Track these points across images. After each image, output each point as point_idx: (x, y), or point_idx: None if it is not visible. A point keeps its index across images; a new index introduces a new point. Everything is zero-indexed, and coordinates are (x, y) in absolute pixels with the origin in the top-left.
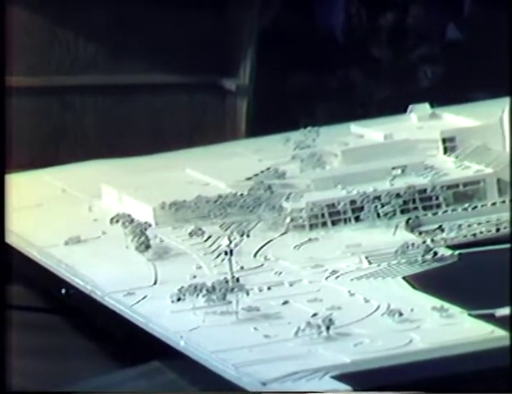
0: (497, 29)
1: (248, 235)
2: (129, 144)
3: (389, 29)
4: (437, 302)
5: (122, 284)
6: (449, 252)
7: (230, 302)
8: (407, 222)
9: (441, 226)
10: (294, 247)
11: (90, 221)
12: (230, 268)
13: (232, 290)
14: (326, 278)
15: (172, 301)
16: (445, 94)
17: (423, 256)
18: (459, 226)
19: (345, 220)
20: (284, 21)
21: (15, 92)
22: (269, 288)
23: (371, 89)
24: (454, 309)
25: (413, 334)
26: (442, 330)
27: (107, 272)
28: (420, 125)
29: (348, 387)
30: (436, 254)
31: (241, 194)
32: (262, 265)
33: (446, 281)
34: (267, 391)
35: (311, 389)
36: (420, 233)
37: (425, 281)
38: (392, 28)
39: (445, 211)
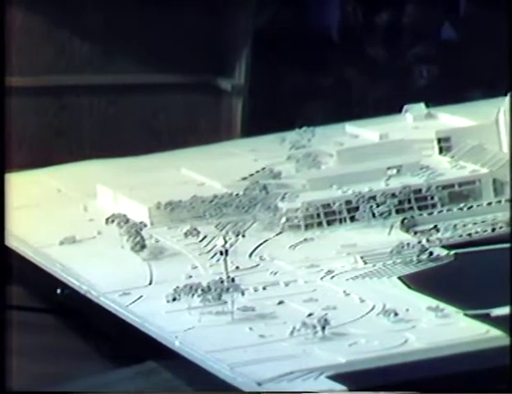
0: (492, 29)
1: (243, 236)
2: (124, 144)
3: (384, 29)
4: (433, 302)
5: (118, 284)
6: (444, 252)
7: (225, 302)
8: (402, 221)
9: (436, 226)
10: (290, 247)
11: (86, 221)
12: (226, 268)
13: (227, 290)
14: (322, 278)
15: (168, 301)
16: (440, 94)
17: (419, 256)
18: (455, 226)
19: (341, 220)
20: (279, 21)
21: (9, 92)
22: (264, 288)
23: (366, 88)
24: (449, 309)
25: (408, 334)
26: (438, 330)
27: (102, 272)
28: (415, 125)
29: (343, 387)
30: (431, 253)
31: (237, 194)
32: (257, 265)
33: (442, 281)
34: (262, 391)
35: (306, 389)
36: (415, 233)
37: (420, 281)
38: (387, 27)
39: (441, 211)
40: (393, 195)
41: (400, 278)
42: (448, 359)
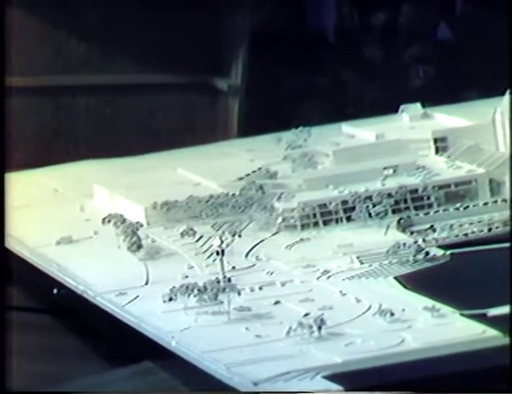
0: (489, 29)
1: (239, 236)
2: (120, 144)
3: (380, 29)
4: (429, 302)
5: (114, 284)
6: (440, 252)
7: (221, 302)
8: (398, 221)
9: (432, 226)
10: (286, 247)
11: (82, 221)
12: (222, 268)
13: (224, 290)
14: (318, 278)
15: (164, 301)
16: (436, 94)
17: (415, 256)
18: (451, 226)
19: (337, 220)
20: (275, 22)
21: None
22: (261, 288)
23: (362, 88)
24: (445, 309)
25: (404, 334)
26: (434, 330)
27: (98, 272)
28: (412, 125)
29: (339, 387)
30: (427, 253)
31: (233, 194)
32: (253, 265)
33: (438, 281)
34: (258, 391)
35: (302, 389)
36: (412, 233)
37: (417, 281)
38: (383, 28)
39: (437, 211)
40: (389, 195)
41: (396, 278)
42: (444, 359)
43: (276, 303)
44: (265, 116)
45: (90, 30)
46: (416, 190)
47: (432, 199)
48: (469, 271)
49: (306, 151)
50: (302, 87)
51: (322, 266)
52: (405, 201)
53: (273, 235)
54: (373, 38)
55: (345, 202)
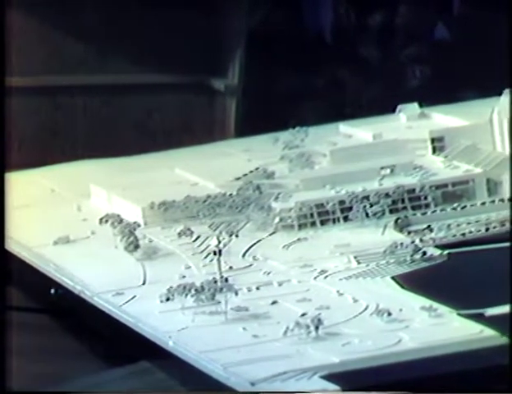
0: (486, 29)
1: (237, 236)
2: (118, 144)
3: (377, 29)
4: (426, 302)
5: (111, 284)
6: (438, 252)
7: (219, 302)
8: (396, 221)
9: (429, 226)
10: (283, 247)
11: (79, 221)
12: (219, 268)
13: (221, 290)
14: (315, 278)
15: (161, 301)
16: (433, 94)
17: (412, 256)
18: (448, 225)
19: (334, 220)
20: (273, 22)
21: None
22: (258, 288)
23: (360, 89)
24: (443, 309)
25: (401, 334)
26: (431, 330)
27: (96, 272)
28: (409, 125)
29: (336, 387)
30: (424, 253)
31: (230, 194)
32: (250, 265)
33: (435, 281)
34: (255, 391)
35: (300, 389)
36: (409, 233)
37: (414, 281)
38: (381, 28)
39: (434, 211)
40: (387, 195)
41: (393, 278)
42: (441, 359)
43: (274, 303)
44: (262, 116)
45: (88, 31)
46: (413, 190)
47: (430, 198)
48: (467, 271)
49: (303, 151)
50: (299, 87)
51: (320, 266)
52: (403, 201)
53: (270, 235)
54: (370, 39)
55: (342, 202)
